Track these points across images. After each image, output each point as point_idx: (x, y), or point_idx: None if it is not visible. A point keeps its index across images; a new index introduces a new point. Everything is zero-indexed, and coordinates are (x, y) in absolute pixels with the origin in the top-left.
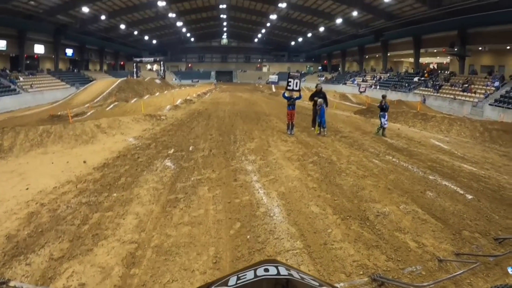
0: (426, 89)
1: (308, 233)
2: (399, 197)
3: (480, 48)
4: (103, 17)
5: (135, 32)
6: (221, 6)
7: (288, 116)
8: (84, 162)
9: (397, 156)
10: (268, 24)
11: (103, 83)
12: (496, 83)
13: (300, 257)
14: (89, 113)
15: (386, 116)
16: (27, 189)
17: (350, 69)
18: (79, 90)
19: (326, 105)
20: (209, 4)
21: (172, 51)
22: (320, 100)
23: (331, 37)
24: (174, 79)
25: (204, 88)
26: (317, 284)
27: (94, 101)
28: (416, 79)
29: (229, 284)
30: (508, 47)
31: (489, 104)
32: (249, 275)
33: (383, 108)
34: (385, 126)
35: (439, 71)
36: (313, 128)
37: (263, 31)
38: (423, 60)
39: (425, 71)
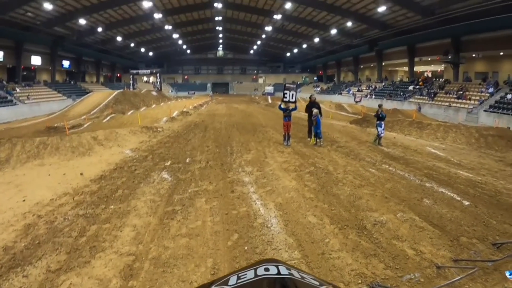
0: (421, 97)
1: (306, 243)
2: (396, 206)
3: (473, 55)
4: (99, 29)
5: (132, 44)
6: (216, 18)
7: (285, 127)
8: (81, 174)
9: (394, 165)
10: (264, 36)
11: (99, 95)
12: (491, 89)
13: (298, 267)
14: (85, 125)
15: (383, 125)
16: (24, 200)
17: (345, 79)
18: (76, 102)
19: (321, 115)
20: (205, 16)
21: (168, 63)
22: (316, 111)
23: (326, 47)
24: (170, 91)
25: (201, 100)
26: (318, 283)
27: (91, 113)
28: (411, 87)
29: (230, 283)
30: (501, 53)
31: (484, 110)
32: (250, 274)
33: (380, 117)
34: (382, 135)
35: (434, 79)
36: (309, 139)
37: (259, 42)
38: (417, 68)
39: (419, 80)
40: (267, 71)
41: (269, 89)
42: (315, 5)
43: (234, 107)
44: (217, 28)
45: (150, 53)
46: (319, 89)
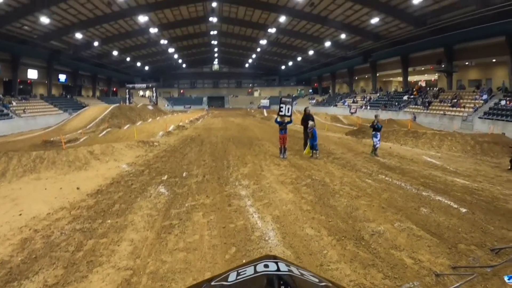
0: (416, 106)
1: (304, 255)
2: (394, 215)
3: (466, 63)
4: (96, 44)
5: (128, 59)
6: (212, 33)
7: (281, 140)
8: (78, 188)
9: (390, 175)
10: (258, 49)
11: (95, 109)
12: (484, 96)
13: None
14: (82, 139)
15: (379, 136)
16: (20, 214)
17: (340, 91)
18: (72, 116)
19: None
20: (200, 30)
21: (164, 77)
22: (311, 123)
23: (320, 60)
24: (166, 105)
25: (197, 114)
26: (317, 280)
27: (87, 127)
28: (405, 97)
29: (229, 279)
30: (494, 60)
31: (479, 117)
32: (249, 271)
33: (376, 128)
34: (377, 146)
35: (428, 88)
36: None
37: (254, 56)
38: (411, 78)
39: (414, 89)
40: (262, 84)
41: (265, 102)
42: (309, 18)
43: (230, 121)
44: (212, 42)
45: (146, 67)
46: (314, 101)
